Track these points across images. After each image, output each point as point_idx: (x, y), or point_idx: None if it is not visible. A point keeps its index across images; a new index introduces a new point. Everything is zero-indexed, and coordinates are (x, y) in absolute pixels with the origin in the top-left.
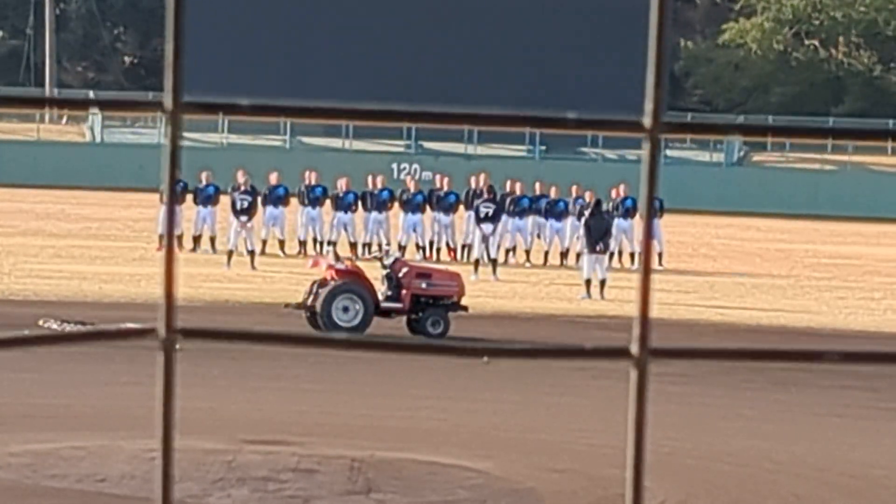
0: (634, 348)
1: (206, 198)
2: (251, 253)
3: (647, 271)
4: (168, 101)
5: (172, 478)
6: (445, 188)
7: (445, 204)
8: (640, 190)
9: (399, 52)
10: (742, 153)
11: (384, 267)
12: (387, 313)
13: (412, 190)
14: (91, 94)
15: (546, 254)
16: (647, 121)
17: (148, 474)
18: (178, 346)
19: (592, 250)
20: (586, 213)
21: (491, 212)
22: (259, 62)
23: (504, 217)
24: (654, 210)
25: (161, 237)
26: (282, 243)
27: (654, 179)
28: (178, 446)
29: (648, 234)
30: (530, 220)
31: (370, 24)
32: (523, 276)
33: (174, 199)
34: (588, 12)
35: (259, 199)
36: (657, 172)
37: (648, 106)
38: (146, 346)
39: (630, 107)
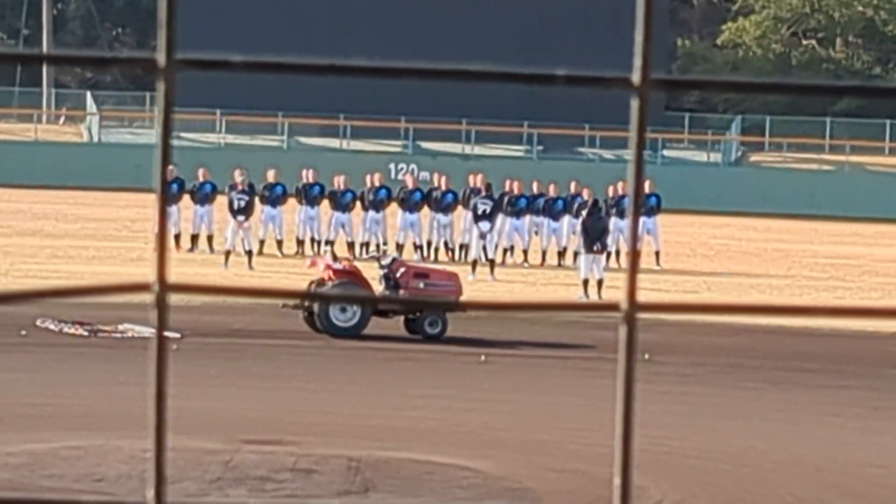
0: (623, 303)
1: (204, 196)
2: (249, 253)
3: (635, 228)
4: (161, 58)
5: (165, 444)
6: (443, 188)
7: (443, 204)
8: (630, 150)
9: (394, 29)
10: (739, 153)
11: (382, 267)
12: (384, 313)
13: (410, 188)
14: (89, 94)
15: (543, 253)
16: (635, 77)
17: (145, 474)
18: (178, 340)
19: (590, 250)
20: (583, 212)
21: (488, 209)
22: (255, 37)
23: (501, 217)
24: (652, 207)
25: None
26: (279, 243)
27: (643, 137)
28: (175, 446)
29: (638, 193)
30: (527, 220)
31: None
32: (521, 275)
33: (167, 160)
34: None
35: (256, 199)
36: (645, 129)
37: (637, 62)
38: (145, 346)
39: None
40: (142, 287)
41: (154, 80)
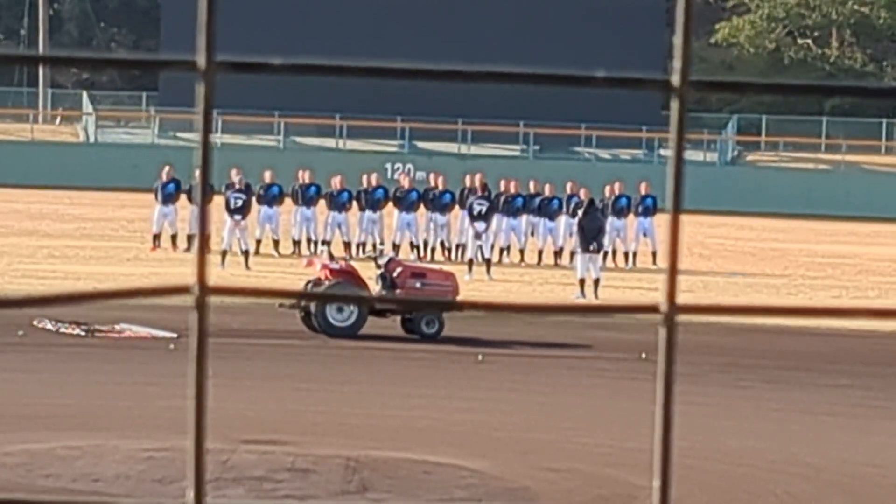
0: (663, 304)
1: None
2: (245, 253)
3: (675, 228)
4: (201, 59)
5: (204, 444)
6: (440, 188)
7: (440, 203)
8: (669, 153)
9: (408, 35)
10: (735, 153)
11: (378, 267)
12: (381, 313)
13: (406, 187)
14: (85, 94)
15: (540, 253)
16: (675, 79)
17: (143, 474)
18: (175, 340)
19: (586, 249)
20: (580, 212)
21: (484, 209)
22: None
23: (498, 216)
24: (648, 208)
25: (155, 237)
26: (276, 243)
27: (682, 138)
28: (172, 446)
29: (678, 193)
30: (524, 220)
31: (380, 10)
32: (517, 275)
33: (208, 160)
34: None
35: (253, 199)
36: (685, 131)
37: (677, 64)
38: (142, 346)
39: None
40: (182, 290)
41: (153, 79)
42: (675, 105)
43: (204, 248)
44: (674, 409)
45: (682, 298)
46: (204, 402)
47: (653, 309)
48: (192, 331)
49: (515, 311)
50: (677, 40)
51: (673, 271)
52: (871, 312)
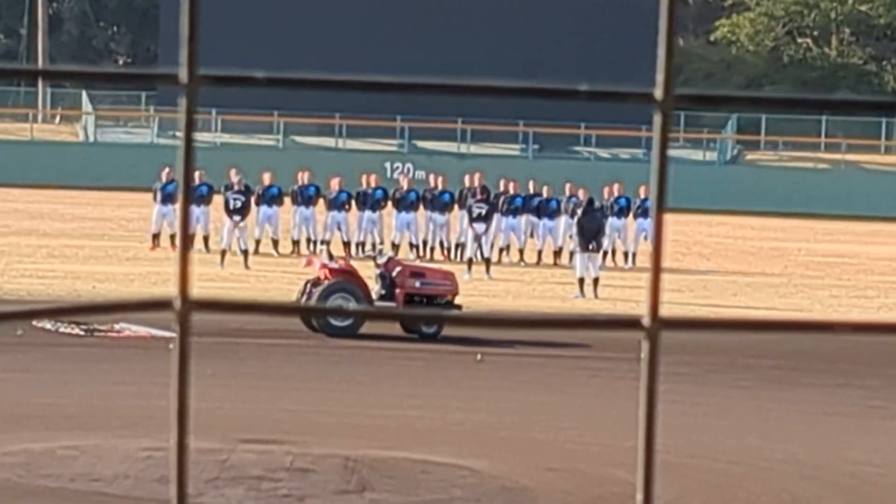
0: (646, 319)
1: (199, 197)
2: (245, 252)
3: (658, 243)
4: (183, 73)
5: (187, 457)
6: (439, 187)
7: (440, 203)
8: (651, 167)
9: (403, 40)
10: (735, 152)
11: (378, 266)
12: None
13: (405, 188)
14: (84, 93)
15: (539, 253)
16: (658, 92)
17: (142, 473)
18: (173, 339)
19: (585, 249)
20: (579, 211)
21: (484, 212)
22: (271, 50)
23: (497, 216)
24: (647, 210)
25: (154, 237)
26: (275, 243)
27: (665, 153)
28: (171, 446)
29: (661, 206)
30: (523, 219)
31: (374, 12)
32: (517, 275)
33: (190, 171)
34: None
35: (252, 199)
36: (667, 145)
37: (659, 77)
38: (141, 346)
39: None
40: (164, 304)
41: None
42: (657, 119)
43: (186, 261)
44: (656, 419)
45: (679, 297)
46: (186, 415)
47: (635, 324)
48: (175, 344)
49: (488, 325)
50: (660, 52)
51: (655, 285)
52: (853, 326)
